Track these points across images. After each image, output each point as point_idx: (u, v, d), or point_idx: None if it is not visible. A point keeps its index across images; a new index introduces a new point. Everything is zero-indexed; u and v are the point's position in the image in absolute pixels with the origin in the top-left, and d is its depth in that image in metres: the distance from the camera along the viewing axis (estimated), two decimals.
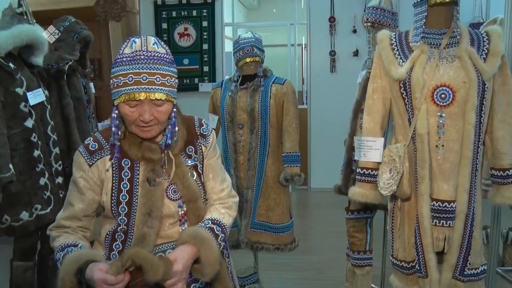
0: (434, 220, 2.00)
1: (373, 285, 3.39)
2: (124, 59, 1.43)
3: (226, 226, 1.63)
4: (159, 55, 1.44)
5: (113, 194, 1.53)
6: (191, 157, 1.63)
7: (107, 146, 1.54)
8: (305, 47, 8.09)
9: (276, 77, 2.97)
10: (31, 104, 2.86)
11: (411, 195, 2.06)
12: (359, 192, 2.20)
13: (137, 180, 1.54)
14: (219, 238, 1.57)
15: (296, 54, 7.95)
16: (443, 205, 1.99)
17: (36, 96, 2.89)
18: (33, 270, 3.03)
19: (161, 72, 1.44)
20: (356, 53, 6.22)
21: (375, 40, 2.75)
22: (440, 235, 2.00)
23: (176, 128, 1.54)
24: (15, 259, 2.98)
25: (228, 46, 7.08)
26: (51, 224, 1.64)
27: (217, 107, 3.09)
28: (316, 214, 5.27)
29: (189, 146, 1.63)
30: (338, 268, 3.73)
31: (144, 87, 1.41)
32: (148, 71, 1.41)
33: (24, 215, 2.81)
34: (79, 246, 1.49)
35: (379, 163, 2.14)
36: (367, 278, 3.24)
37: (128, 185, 1.53)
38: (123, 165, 1.54)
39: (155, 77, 1.42)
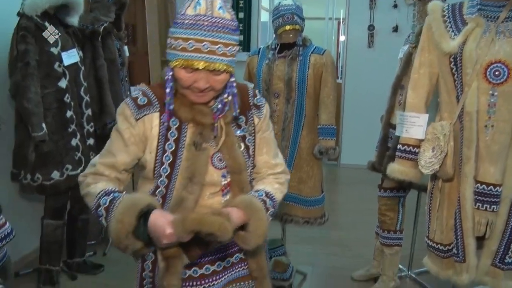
0: (477, 204, 1.90)
1: (400, 266, 3.31)
2: (186, 21, 1.31)
3: (276, 202, 1.56)
4: (224, 22, 1.32)
5: (158, 154, 1.44)
6: (241, 127, 1.53)
7: (157, 103, 1.44)
8: (342, 21, 7.87)
9: (315, 47, 2.85)
10: (65, 65, 2.83)
11: (454, 176, 1.96)
12: (398, 169, 2.11)
13: (183, 143, 1.44)
14: (269, 212, 1.51)
15: (332, 29, 7.73)
16: (488, 189, 1.88)
17: (71, 57, 2.86)
18: (62, 228, 3.06)
19: (224, 41, 1.32)
20: (395, 29, 5.97)
21: (422, 13, 2.61)
22: (482, 220, 1.90)
23: (236, 99, 1.45)
24: (46, 217, 3.01)
25: (264, 16, 6.92)
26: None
27: (253, 75, 3.00)
28: (346, 190, 5.18)
29: (241, 116, 1.53)
30: (366, 245, 3.66)
31: (204, 56, 1.31)
32: (210, 39, 1.30)
33: (55, 175, 2.83)
34: (125, 193, 1.39)
35: (421, 140, 2.04)
36: (396, 258, 3.16)
37: (174, 146, 1.44)
38: (170, 125, 1.45)
39: (217, 47, 1.31)
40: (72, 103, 2.89)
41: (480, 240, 1.97)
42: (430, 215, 2.13)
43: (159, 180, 1.45)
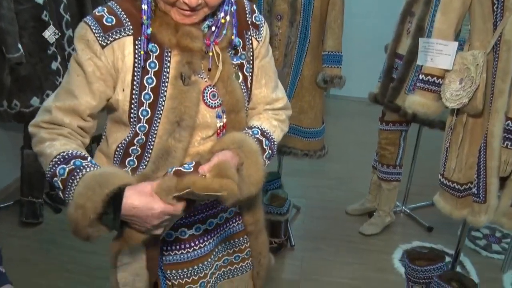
0: (506, 142, 1.74)
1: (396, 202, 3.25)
2: None
3: (275, 142, 1.32)
4: None
5: (133, 92, 1.14)
6: (238, 53, 1.25)
7: (129, 23, 1.12)
8: None
9: None
10: None
11: (482, 111, 1.79)
12: (419, 101, 1.92)
13: (167, 76, 1.15)
14: (265, 154, 1.27)
15: None
16: None
17: None
18: None
19: None
20: None
21: None
22: (510, 159, 1.76)
23: (235, 19, 1.19)
24: (25, 147, 2.80)
25: None
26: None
27: None
28: (341, 123, 5.05)
29: (237, 39, 1.24)
30: (361, 179, 3.59)
31: None
32: None
33: (35, 101, 2.59)
34: (89, 160, 1.09)
35: (447, 71, 1.85)
36: (393, 193, 3.09)
37: (154, 80, 1.14)
38: (149, 52, 1.14)
39: None
40: (51, 22, 2.59)
41: (502, 181, 1.83)
42: (448, 152, 1.97)
43: (137, 126, 1.16)
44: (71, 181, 1.04)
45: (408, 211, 3.38)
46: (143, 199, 1.02)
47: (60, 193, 1.08)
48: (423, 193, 3.38)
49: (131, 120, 1.16)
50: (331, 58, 2.64)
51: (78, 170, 1.04)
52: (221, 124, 1.22)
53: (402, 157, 3.00)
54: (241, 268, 1.44)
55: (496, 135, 1.74)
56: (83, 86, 1.13)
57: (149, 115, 1.14)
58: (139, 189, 1.04)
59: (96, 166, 1.08)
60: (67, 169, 1.05)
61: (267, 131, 1.29)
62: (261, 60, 1.30)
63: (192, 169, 1.08)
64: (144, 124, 1.15)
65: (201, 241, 1.28)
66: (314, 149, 2.86)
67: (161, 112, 1.14)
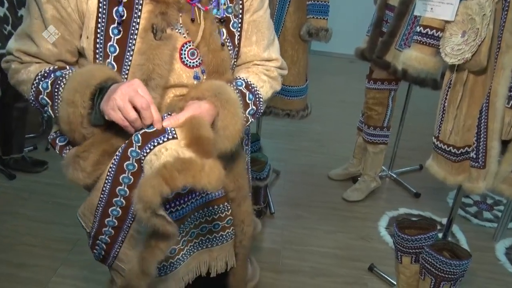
0: (511, 102, 1.67)
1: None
2: None
3: (261, 99, 1.26)
4: None
5: (97, 41, 1.09)
6: (223, 5, 1.18)
7: None
8: None
9: None
10: None
11: (486, 67, 1.70)
12: (416, 56, 1.82)
13: (136, 27, 1.08)
14: (248, 110, 1.22)
15: None
16: None
17: None
18: None
19: None
20: None
21: None
22: None
23: None
24: None
25: None
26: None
27: None
28: (325, 80, 4.94)
29: None
30: (342, 142, 3.55)
31: None
32: None
33: None
34: (68, 68, 1.12)
35: (447, 22, 1.75)
36: (379, 157, 3.06)
37: (121, 31, 1.08)
38: None
39: None
40: None
41: (504, 145, 1.77)
42: (444, 112, 1.90)
43: None
44: (56, 90, 1.06)
45: (394, 176, 3.36)
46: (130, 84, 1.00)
47: (49, 110, 1.10)
48: (410, 157, 3.36)
49: None
50: (316, 8, 2.54)
51: (60, 78, 1.07)
52: None
53: (390, 118, 2.95)
54: (221, 238, 1.39)
55: (500, 94, 1.66)
56: (41, 31, 1.10)
57: (115, 69, 1.10)
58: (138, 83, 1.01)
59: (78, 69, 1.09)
60: (49, 82, 1.08)
61: (252, 85, 1.24)
62: (252, 14, 1.24)
63: (155, 128, 1.02)
64: None
65: (173, 205, 1.21)
66: (296, 109, 2.79)
67: (128, 68, 1.10)
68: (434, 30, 1.78)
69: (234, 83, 1.20)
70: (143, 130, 1.02)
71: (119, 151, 1.08)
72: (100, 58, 1.10)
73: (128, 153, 1.05)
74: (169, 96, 1.15)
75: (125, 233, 1.18)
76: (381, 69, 2.74)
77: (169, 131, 1.01)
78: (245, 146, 1.42)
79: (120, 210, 1.13)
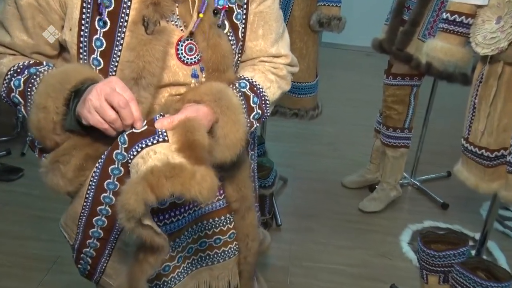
0: None
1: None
2: None
3: (268, 102, 1.27)
4: None
5: (81, 34, 1.10)
6: None
7: None
8: None
9: None
10: None
11: None
12: (442, 47, 1.85)
13: (125, 18, 1.09)
14: (253, 114, 1.23)
15: None
16: None
17: None
18: None
19: None
20: None
21: None
22: None
23: None
24: None
25: None
26: None
27: None
28: (337, 76, 4.96)
29: None
30: (357, 145, 3.57)
31: None
32: None
33: None
34: (45, 64, 1.13)
35: (479, 7, 1.76)
36: (400, 162, 3.07)
37: (109, 24, 1.09)
38: None
39: None
40: None
41: None
42: (475, 110, 1.90)
43: None
44: (29, 89, 1.07)
45: (418, 184, 3.35)
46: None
47: (23, 110, 1.12)
48: (436, 162, 3.37)
49: None
50: None
51: (34, 76, 1.08)
52: (198, 84, 1.18)
53: (412, 118, 2.95)
54: (223, 254, 1.39)
55: None
56: (15, 20, 1.12)
57: (102, 65, 1.11)
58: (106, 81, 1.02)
59: (54, 68, 1.11)
60: (22, 79, 1.10)
61: (258, 86, 1.25)
62: (259, 5, 1.25)
63: (146, 127, 1.03)
64: None
65: (167, 216, 1.22)
66: (305, 108, 2.81)
67: (116, 65, 1.10)
68: (464, 17, 1.81)
69: (237, 85, 1.22)
70: (130, 130, 1.02)
71: (104, 154, 1.08)
72: (85, 53, 1.11)
73: (113, 156, 1.05)
74: (163, 95, 1.16)
75: (112, 245, 1.18)
76: (402, 62, 2.75)
77: (159, 133, 1.01)
78: (251, 151, 1.42)
79: (105, 220, 1.13)
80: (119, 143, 1.03)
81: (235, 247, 1.40)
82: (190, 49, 1.16)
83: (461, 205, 3.08)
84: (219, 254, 1.38)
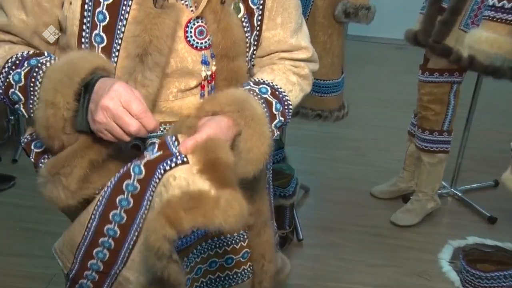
0: None
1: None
2: None
3: (290, 106, 1.28)
4: None
5: (85, 8, 1.12)
6: None
7: None
8: None
9: None
10: None
11: None
12: (487, 38, 1.85)
13: None
14: (275, 122, 1.24)
15: None
16: None
17: None
18: None
19: None
20: None
21: None
22: None
23: None
24: None
25: None
26: None
27: None
28: (365, 72, 4.97)
29: None
30: (388, 150, 3.57)
31: None
32: None
33: None
34: (46, 55, 1.14)
35: None
36: (438, 170, 3.06)
37: None
38: None
39: None
40: None
41: None
42: None
43: None
44: (32, 84, 1.08)
45: (459, 194, 3.33)
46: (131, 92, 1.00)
47: (22, 108, 1.12)
48: (480, 170, 3.35)
49: (83, 48, 1.15)
50: None
51: (36, 69, 1.08)
52: (209, 73, 1.21)
53: (451, 119, 2.93)
54: (235, 276, 1.39)
55: None
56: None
57: (105, 43, 1.13)
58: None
59: (57, 59, 1.11)
60: (22, 73, 1.09)
61: (280, 89, 1.27)
62: None
63: (158, 153, 1.04)
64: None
65: None
66: (330, 109, 2.82)
67: (119, 42, 1.13)
68: None
69: (257, 91, 1.22)
70: (145, 159, 1.03)
71: (110, 182, 1.08)
72: (87, 30, 1.12)
73: (123, 186, 1.06)
74: (170, 89, 1.18)
75: (113, 280, 1.18)
76: (440, 56, 2.73)
77: (177, 153, 1.01)
78: None
79: (107, 253, 1.14)
80: (132, 173, 1.04)
81: (249, 269, 1.40)
82: (201, 32, 1.18)
83: (511, 218, 3.04)
84: (231, 277, 1.38)
